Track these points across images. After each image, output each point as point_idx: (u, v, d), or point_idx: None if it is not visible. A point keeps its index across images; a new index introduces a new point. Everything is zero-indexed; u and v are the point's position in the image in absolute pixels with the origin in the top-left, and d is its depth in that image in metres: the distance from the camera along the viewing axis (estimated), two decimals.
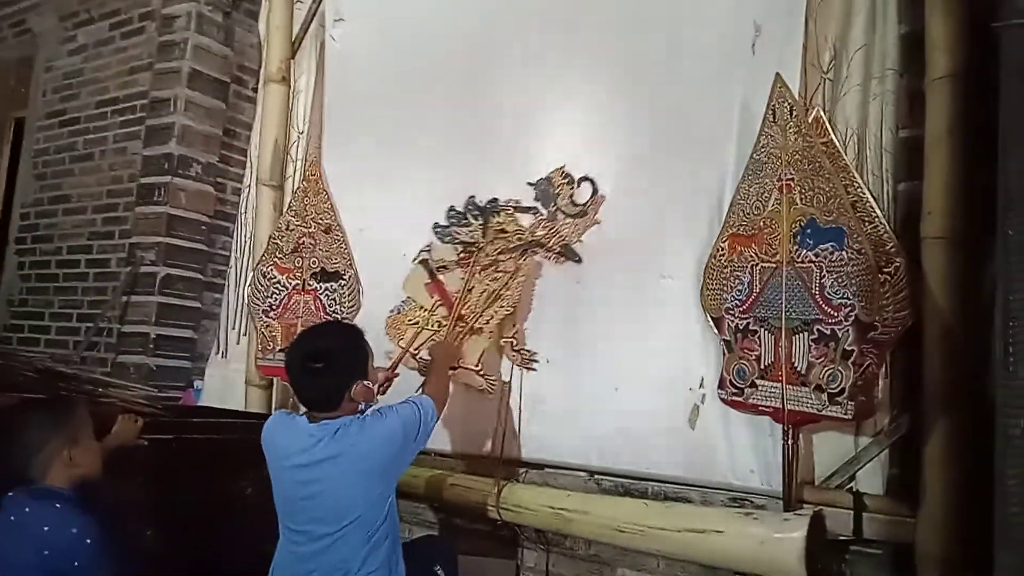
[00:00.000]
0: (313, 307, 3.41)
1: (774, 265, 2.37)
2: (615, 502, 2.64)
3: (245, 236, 3.90)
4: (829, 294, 2.25)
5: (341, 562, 2.02)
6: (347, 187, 3.51)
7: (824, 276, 2.26)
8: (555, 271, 2.95)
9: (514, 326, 2.98)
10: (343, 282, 3.40)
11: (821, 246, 2.28)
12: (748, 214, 2.46)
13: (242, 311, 3.79)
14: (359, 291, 3.38)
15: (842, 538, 2.30)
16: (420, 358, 3.00)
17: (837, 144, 2.46)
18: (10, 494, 1.86)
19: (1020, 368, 1.52)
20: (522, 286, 2.94)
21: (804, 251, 2.31)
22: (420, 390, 2.38)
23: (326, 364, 2.08)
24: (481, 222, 3.10)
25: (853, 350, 2.20)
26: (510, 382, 2.97)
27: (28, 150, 5.14)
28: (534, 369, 2.96)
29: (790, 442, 2.33)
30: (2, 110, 5.47)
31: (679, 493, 2.61)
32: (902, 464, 2.31)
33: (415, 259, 3.22)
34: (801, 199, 2.34)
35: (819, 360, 2.25)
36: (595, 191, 2.91)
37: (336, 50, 3.66)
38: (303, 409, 2.18)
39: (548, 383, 2.92)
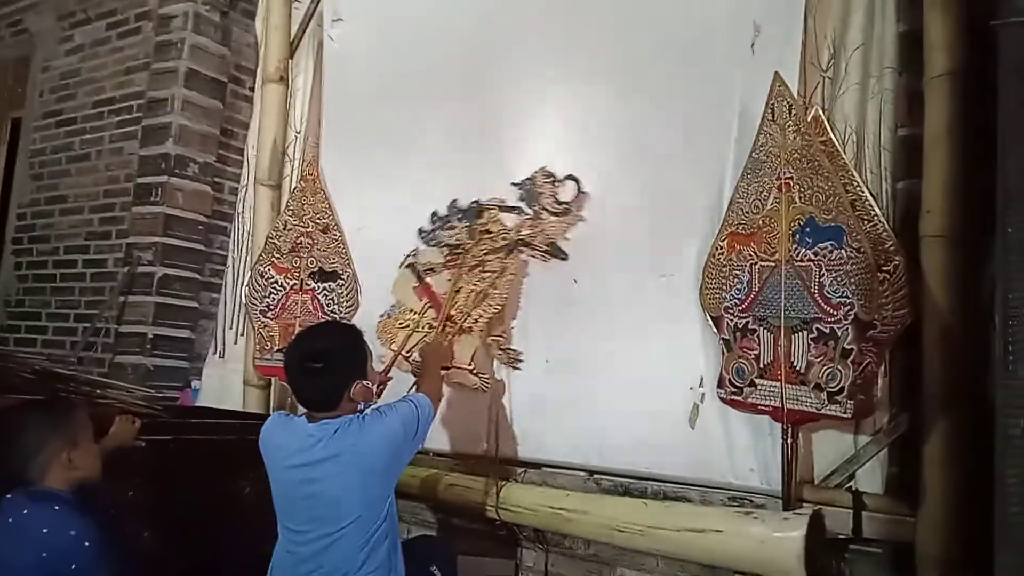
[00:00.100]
0: (311, 307, 3.41)
1: (773, 264, 2.37)
2: (614, 502, 2.63)
3: (242, 236, 3.89)
4: (828, 293, 2.25)
5: (340, 562, 2.01)
6: (345, 187, 3.51)
7: (823, 275, 2.26)
8: (555, 272, 2.95)
9: (502, 325, 2.99)
10: (341, 282, 3.40)
11: (820, 245, 2.28)
12: (747, 213, 2.46)
13: (240, 311, 3.78)
14: (357, 291, 3.38)
15: (841, 537, 2.30)
16: (413, 360, 3.01)
17: (836, 143, 2.46)
18: (9, 496, 1.85)
19: (1020, 367, 1.52)
20: (509, 285, 2.95)
21: (803, 250, 2.31)
22: (413, 390, 2.37)
23: (325, 364, 2.08)
24: (466, 224, 3.11)
25: (852, 349, 2.19)
26: (504, 380, 2.98)
27: (25, 150, 5.13)
28: (519, 368, 2.97)
29: (789, 441, 2.32)
30: None
31: (678, 492, 2.60)
32: (901, 463, 2.32)
33: (402, 264, 3.23)
34: (800, 198, 2.34)
35: (818, 359, 2.24)
36: (579, 188, 2.93)
37: (334, 50, 3.65)
38: (302, 410, 2.18)
39: (547, 382, 2.92)
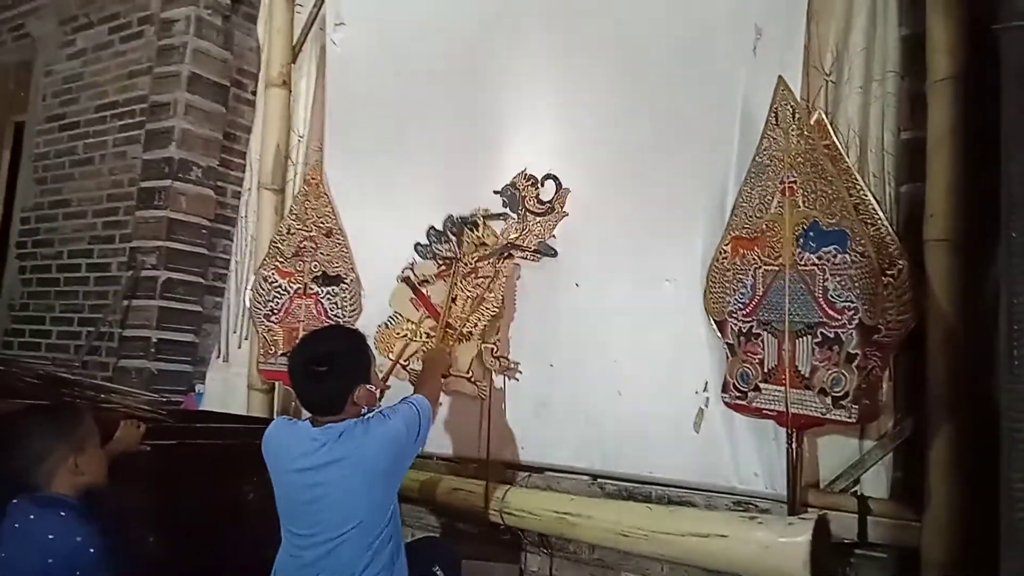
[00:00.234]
0: (314, 311, 3.41)
1: (777, 268, 2.37)
2: (619, 506, 2.64)
3: (246, 240, 3.90)
4: (832, 297, 2.25)
5: (344, 566, 2.01)
6: (348, 190, 3.51)
7: (827, 279, 2.26)
8: (557, 276, 2.96)
9: (497, 332, 3.00)
10: (344, 286, 3.40)
11: (824, 249, 2.28)
12: (751, 217, 2.46)
13: (243, 315, 3.79)
14: (360, 295, 3.38)
15: (847, 542, 2.30)
16: (411, 369, 3.05)
17: (839, 147, 2.46)
18: (15, 501, 1.85)
19: None
20: (504, 288, 2.99)
21: (807, 254, 2.31)
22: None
23: (329, 368, 2.08)
24: (458, 239, 3.15)
25: (857, 353, 2.19)
26: (502, 389, 3.00)
27: (28, 154, 5.13)
28: (516, 379, 2.98)
29: (794, 446, 2.32)
30: (2, 114, 5.47)
31: (683, 497, 2.61)
32: (906, 468, 2.31)
33: (398, 277, 3.24)
34: (804, 202, 2.34)
35: (823, 363, 2.24)
36: (559, 186, 2.98)
37: (337, 54, 3.66)
38: (306, 414, 2.18)
39: (551, 386, 2.92)
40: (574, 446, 2.85)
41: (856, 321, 2.20)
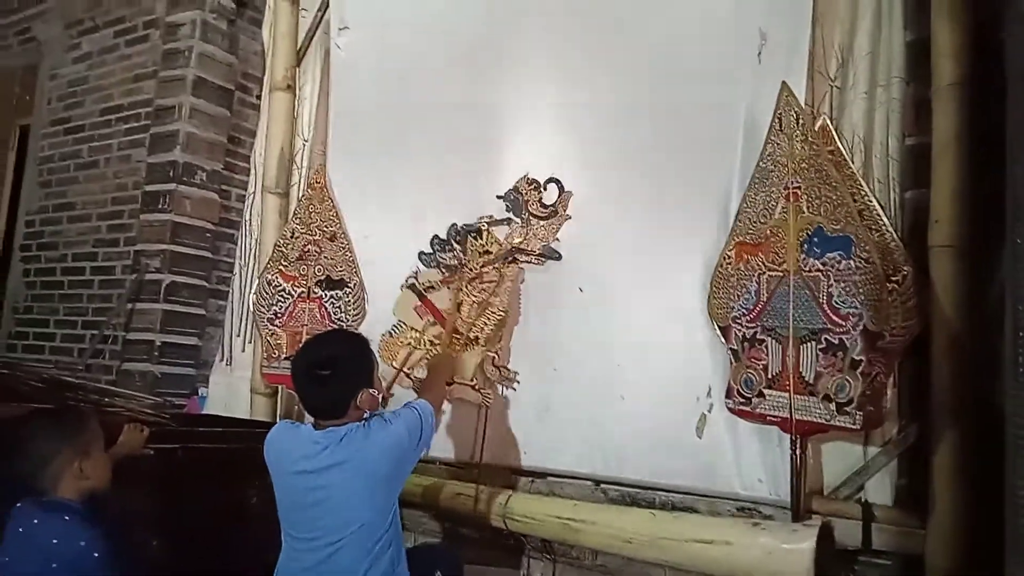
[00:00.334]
0: (318, 315, 3.41)
1: (781, 274, 2.37)
2: (622, 512, 2.63)
3: (250, 243, 3.90)
4: (837, 303, 2.24)
5: (344, 571, 2.00)
6: (352, 194, 3.51)
7: (832, 285, 2.26)
8: (561, 281, 2.96)
9: (499, 340, 3.01)
10: (348, 290, 3.40)
11: (828, 255, 2.27)
12: (755, 222, 2.46)
13: (247, 319, 3.79)
14: (364, 299, 3.38)
15: (851, 549, 2.29)
16: (415, 377, 3.05)
17: (844, 152, 2.46)
18: (19, 505, 1.85)
19: None
20: (509, 292, 3.00)
21: (811, 260, 2.31)
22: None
23: (332, 372, 2.08)
24: (462, 248, 3.16)
25: (861, 359, 2.19)
26: (506, 398, 3.01)
27: (33, 158, 5.15)
28: (513, 388, 2.99)
29: (798, 452, 2.32)
30: (7, 118, 5.49)
31: (686, 503, 2.60)
32: (911, 474, 2.31)
33: (403, 285, 3.24)
34: (808, 207, 2.34)
35: (827, 370, 2.24)
36: (561, 190, 2.99)
37: (341, 58, 3.66)
38: (309, 418, 2.18)
39: (554, 391, 2.91)
40: (577, 451, 2.85)
41: (860, 327, 2.20)
